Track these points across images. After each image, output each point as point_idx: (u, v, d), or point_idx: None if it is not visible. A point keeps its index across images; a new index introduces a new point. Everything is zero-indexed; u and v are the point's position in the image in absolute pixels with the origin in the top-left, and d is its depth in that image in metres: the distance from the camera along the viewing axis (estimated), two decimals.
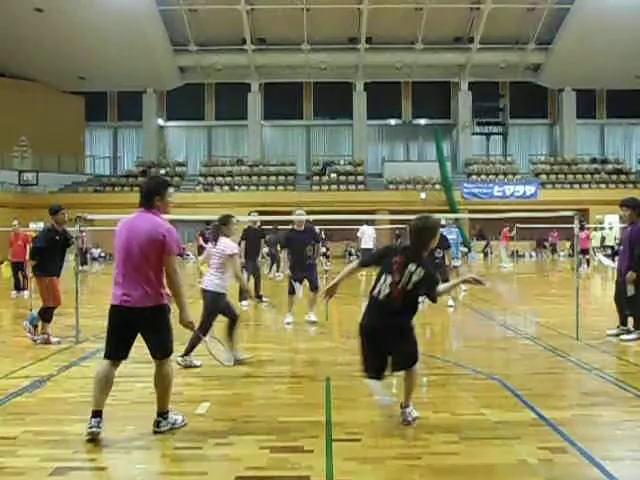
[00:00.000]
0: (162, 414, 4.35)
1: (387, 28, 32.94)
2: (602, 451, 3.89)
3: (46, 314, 7.77)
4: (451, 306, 10.93)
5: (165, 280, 4.25)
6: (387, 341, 4.32)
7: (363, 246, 19.37)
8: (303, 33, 33.07)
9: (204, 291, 6.42)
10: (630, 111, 37.22)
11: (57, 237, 7.86)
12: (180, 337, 4.79)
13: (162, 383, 4.33)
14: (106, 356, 4.28)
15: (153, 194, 4.32)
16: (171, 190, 4.51)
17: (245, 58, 35.30)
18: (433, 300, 4.37)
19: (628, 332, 7.68)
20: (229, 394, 5.37)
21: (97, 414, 4.15)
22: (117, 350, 4.26)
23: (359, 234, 19.53)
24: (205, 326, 6.13)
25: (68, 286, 9.31)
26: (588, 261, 21.48)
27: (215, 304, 6.34)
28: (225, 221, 6.61)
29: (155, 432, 4.28)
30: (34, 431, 4.34)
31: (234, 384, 5.71)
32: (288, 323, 9.14)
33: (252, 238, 11.65)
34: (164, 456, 3.92)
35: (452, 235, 12.93)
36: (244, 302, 11.24)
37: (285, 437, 4.23)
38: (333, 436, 4.21)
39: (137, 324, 4.21)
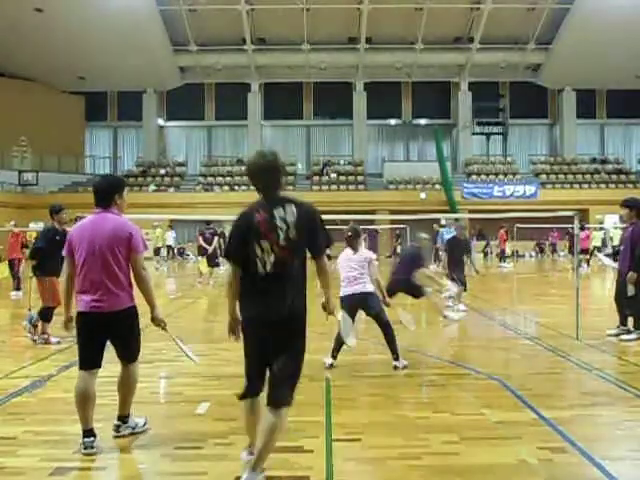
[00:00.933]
0: (123, 417, 4.23)
1: (387, 28, 32.94)
2: (602, 451, 3.89)
3: (46, 314, 7.77)
4: (464, 310, 10.43)
5: (134, 279, 4.11)
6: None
7: None
8: (303, 33, 33.07)
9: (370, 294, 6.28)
10: (630, 111, 37.21)
11: (57, 237, 7.86)
12: (147, 339, 4.78)
13: (127, 386, 4.21)
14: (81, 367, 4.06)
15: (113, 193, 4.18)
16: (126, 190, 4.38)
17: (245, 58, 35.30)
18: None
19: (628, 332, 7.68)
20: (229, 394, 5.34)
21: (89, 433, 3.95)
22: (92, 359, 4.05)
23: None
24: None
25: None
26: (588, 261, 21.49)
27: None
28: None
29: (115, 437, 4.17)
30: (34, 431, 4.34)
31: (234, 384, 5.69)
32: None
33: None
34: (164, 456, 3.92)
35: (450, 235, 12.86)
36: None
37: (285, 437, 4.22)
38: (333, 436, 4.21)
39: (108, 329, 4.05)
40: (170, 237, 28.45)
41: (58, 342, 7.65)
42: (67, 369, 6.31)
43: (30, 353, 7.19)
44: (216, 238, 15.87)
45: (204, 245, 15.74)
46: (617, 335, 7.73)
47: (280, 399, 3.28)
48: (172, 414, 4.83)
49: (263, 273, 3.27)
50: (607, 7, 30.13)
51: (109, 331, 4.06)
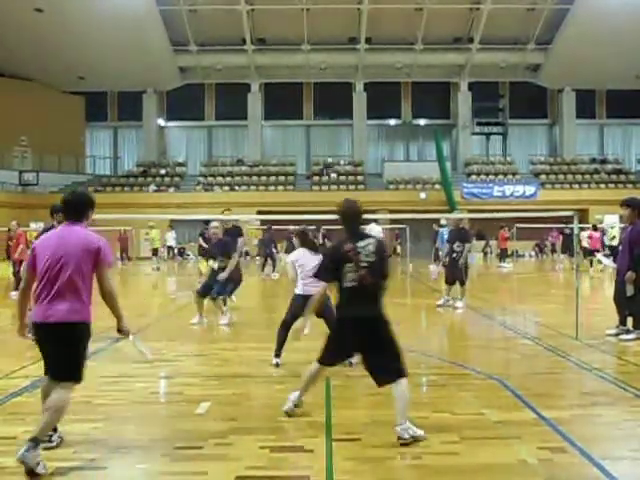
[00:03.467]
0: (36, 440, 3.64)
1: (387, 28, 32.95)
2: (602, 451, 3.89)
3: None
4: (458, 308, 10.79)
5: (101, 292, 4.00)
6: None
7: None
8: (303, 33, 33.07)
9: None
10: (630, 111, 37.22)
11: None
12: None
13: (55, 408, 3.78)
14: (45, 373, 4.02)
15: (88, 208, 4.13)
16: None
17: (245, 58, 35.30)
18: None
19: (628, 332, 7.68)
20: (229, 394, 5.36)
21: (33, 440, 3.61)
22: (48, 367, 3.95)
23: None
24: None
25: None
26: (591, 262, 21.41)
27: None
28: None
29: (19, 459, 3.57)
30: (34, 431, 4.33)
31: (234, 384, 5.71)
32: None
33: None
34: (164, 456, 3.91)
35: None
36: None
37: (285, 437, 4.23)
38: (333, 436, 4.21)
39: (56, 339, 3.87)
40: (170, 237, 28.45)
41: None
42: None
43: (30, 353, 7.17)
44: None
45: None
46: (617, 335, 7.73)
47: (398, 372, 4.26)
48: (172, 414, 4.83)
49: (350, 286, 4.30)
50: (607, 7, 30.15)
51: (55, 341, 3.88)
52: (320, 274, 4.55)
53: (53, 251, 3.91)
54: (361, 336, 4.27)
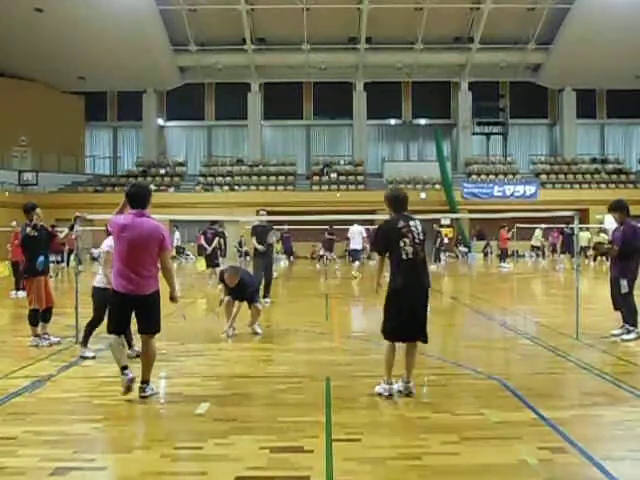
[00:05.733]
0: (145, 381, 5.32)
1: (387, 28, 32.92)
2: (602, 451, 3.89)
3: (32, 317, 7.54)
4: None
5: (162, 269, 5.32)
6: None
7: (352, 247, 18.55)
8: (303, 33, 33.05)
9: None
10: (630, 111, 37.17)
11: (36, 235, 7.71)
12: None
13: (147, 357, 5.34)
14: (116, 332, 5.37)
15: (149, 197, 5.32)
16: None
17: (245, 58, 35.29)
18: None
19: (628, 332, 7.69)
20: (229, 394, 5.36)
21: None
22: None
23: (349, 234, 18.54)
24: None
25: (68, 286, 9.31)
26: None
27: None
28: None
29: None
30: (34, 431, 4.34)
31: (234, 384, 5.71)
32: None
33: (263, 235, 11.68)
34: (164, 456, 3.92)
35: None
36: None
37: (285, 437, 4.23)
38: (333, 436, 4.21)
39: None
40: (175, 238, 28.59)
41: (58, 342, 7.63)
42: (67, 369, 6.32)
43: (30, 353, 7.18)
44: (217, 239, 15.74)
45: (204, 245, 15.66)
46: (620, 335, 7.74)
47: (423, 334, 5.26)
48: (172, 414, 4.83)
49: (405, 258, 5.04)
50: (607, 7, 30.12)
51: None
52: (375, 247, 5.33)
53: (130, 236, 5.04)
54: (415, 303, 5.07)
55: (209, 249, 15.42)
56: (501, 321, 9.62)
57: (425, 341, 5.22)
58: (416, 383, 5.33)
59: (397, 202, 5.25)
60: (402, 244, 5.01)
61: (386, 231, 5.20)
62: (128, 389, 5.11)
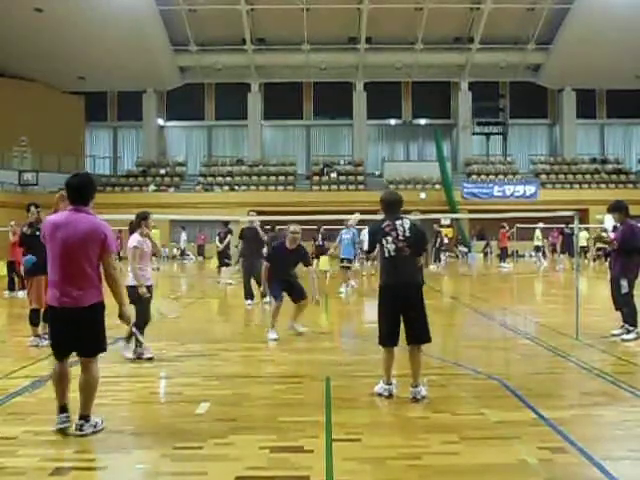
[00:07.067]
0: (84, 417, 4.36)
1: (387, 28, 32.93)
2: (602, 451, 3.89)
3: (33, 317, 7.53)
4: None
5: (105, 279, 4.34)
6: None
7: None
8: (303, 33, 33.06)
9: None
10: (630, 111, 37.17)
11: (37, 233, 7.67)
12: None
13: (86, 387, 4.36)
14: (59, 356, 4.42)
15: (92, 192, 4.37)
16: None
17: (245, 58, 35.29)
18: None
19: (628, 332, 7.69)
20: (229, 394, 5.36)
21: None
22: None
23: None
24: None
25: None
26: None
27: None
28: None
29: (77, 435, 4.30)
30: (34, 431, 4.34)
31: (234, 384, 5.71)
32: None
33: (250, 238, 11.72)
34: (164, 456, 3.91)
35: (348, 235, 12.88)
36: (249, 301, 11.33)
37: (285, 437, 4.23)
38: (333, 436, 4.21)
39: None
40: (181, 238, 28.65)
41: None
42: None
43: (30, 353, 7.18)
44: (229, 236, 15.28)
45: (217, 244, 15.59)
46: (620, 335, 7.74)
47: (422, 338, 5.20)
48: (172, 414, 4.83)
49: (387, 256, 5.13)
50: (607, 7, 30.13)
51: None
52: (366, 247, 5.51)
53: (62, 237, 4.17)
54: (402, 301, 5.08)
55: (221, 247, 15.33)
56: (501, 321, 9.62)
57: (428, 341, 5.24)
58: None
59: (388, 205, 5.34)
60: (384, 242, 5.14)
61: (372, 231, 5.35)
62: (61, 431, 4.27)
